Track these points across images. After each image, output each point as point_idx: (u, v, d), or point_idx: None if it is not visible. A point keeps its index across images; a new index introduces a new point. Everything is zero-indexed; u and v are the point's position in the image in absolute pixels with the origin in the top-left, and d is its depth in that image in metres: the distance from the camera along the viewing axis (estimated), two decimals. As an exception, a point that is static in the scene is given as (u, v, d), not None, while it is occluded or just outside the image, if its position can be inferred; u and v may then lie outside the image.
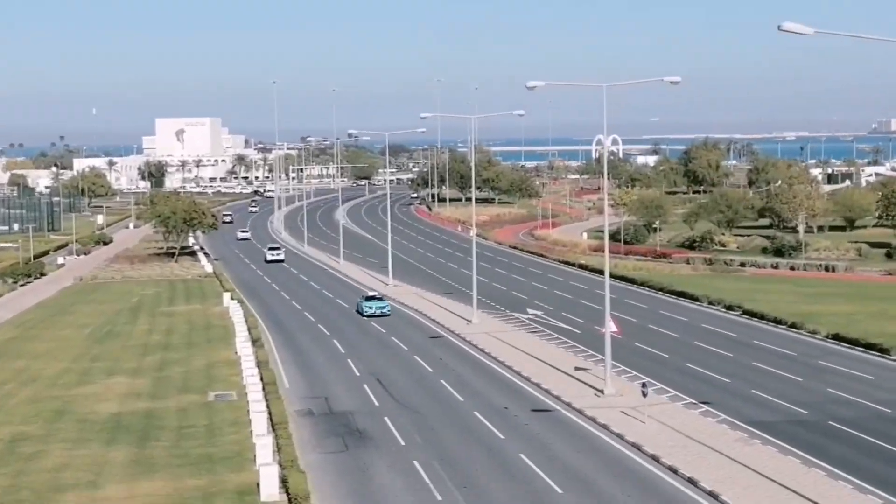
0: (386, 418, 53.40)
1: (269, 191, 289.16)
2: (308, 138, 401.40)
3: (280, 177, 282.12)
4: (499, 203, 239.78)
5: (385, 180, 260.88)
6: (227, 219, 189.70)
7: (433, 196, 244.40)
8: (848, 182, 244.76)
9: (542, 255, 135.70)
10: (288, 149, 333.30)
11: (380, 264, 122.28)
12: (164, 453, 47.56)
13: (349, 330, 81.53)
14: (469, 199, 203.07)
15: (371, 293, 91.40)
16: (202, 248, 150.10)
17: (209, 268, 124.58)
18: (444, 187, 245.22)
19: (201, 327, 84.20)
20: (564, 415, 53.65)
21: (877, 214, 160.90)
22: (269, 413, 51.28)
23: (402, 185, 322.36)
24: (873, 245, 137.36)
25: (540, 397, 57.63)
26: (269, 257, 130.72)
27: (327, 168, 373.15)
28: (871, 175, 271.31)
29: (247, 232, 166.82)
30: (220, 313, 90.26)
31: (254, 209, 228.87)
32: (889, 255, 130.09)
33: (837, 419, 51.54)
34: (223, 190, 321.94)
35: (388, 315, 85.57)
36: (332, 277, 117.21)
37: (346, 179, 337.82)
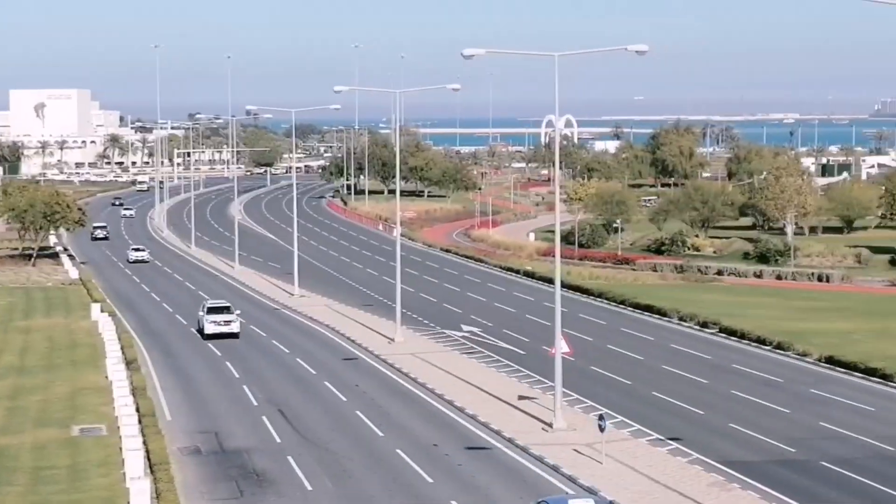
0: (289, 458, 53.25)
1: (140, 182, 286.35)
2: (197, 115, 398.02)
3: (162, 162, 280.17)
4: (429, 197, 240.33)
5: (291, 167, 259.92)
6: (100, 233, 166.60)
7: (349, 188, 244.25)
8: (846, 174, 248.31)
9: (480, 261, 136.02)
10: (172, 128, 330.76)
11: (283, 269, 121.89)
12: (16, 500, 47.05)
13: (245, 350, 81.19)
14: (392, 192, 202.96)
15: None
16: (66, 250, 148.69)
17: (74, 273, 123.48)
18: (362, 177, 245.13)
19: (64, 346, 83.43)
20: (505, 453, 53.78)
21: (879, 214, 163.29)
22: (147, 451, 50.96)
23: (311, 173, 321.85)
24: (875, 250, 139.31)
25: (476, 432, 57.72)
26: (211, 329, 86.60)
27: (220, 152, 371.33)
28: (872, 166, 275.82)
29: (143, 251, 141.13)
30: (88, 329, 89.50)
31: (128, 212, 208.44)
32: (893, 262, 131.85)
33: (831, 459, 52.16)
34: (93, 178, 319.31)
35: None
36: (226, 286, 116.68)
37: (242, 166, 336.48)
